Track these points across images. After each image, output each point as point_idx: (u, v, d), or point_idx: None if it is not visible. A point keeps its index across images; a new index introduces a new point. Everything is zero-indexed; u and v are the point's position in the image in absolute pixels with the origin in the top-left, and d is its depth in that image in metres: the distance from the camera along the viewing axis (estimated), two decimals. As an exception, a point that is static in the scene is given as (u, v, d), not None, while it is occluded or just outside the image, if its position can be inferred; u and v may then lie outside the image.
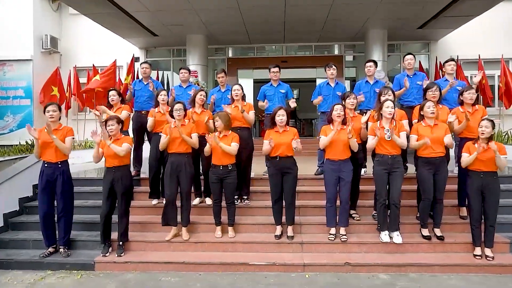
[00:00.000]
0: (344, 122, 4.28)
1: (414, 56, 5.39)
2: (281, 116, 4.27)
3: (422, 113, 4.30)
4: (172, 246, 4.42)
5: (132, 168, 5.55)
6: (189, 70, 5.71)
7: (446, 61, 5.23)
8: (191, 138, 4.44)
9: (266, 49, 11.29)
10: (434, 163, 4.18)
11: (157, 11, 7.97)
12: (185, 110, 4.53)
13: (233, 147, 4.36)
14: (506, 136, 8.77)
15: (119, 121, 4.35)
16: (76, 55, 10.79)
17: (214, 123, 4.44)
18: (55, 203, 4.35)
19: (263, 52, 11.24)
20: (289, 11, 8.03)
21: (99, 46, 10.71)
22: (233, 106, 4.92)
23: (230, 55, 11.24)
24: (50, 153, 4.25)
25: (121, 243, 4.32)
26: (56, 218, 4.35)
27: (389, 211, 4.29)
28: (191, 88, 5.56)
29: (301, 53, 11.23)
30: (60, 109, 4.39)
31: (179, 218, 4.52)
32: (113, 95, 5.15)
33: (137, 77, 9.02)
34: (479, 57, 9.36)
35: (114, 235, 4.38)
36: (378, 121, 4.28)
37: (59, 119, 4.41)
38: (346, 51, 10.98)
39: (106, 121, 4.31)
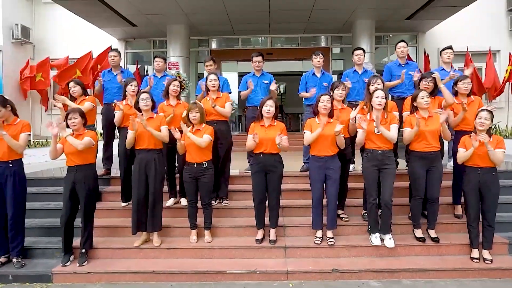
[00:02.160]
0: (331, 115, 3.83)
1: (407, 44, 4.96)
2: (269, 107, 3.78)
3: (415, 104, 3.86)
4: (142, 252, 3.91)
5: (101, 166, 5.02)
6: (164, 59, 5.16)
7: (443, 49, 4.82)
8: (160, 131, 3.92)
9: (251, 41, 10.75)
10: (428, 159, 3.77)
11: (133, -2, 7.34)
12: (153, 101, 4.01)
13: (205, 138, 3.85)
14: (495, 129, 8.50)
15: (82, 114, 3.79)
16: (50, 46, 10.05)
17: (188, 115, 3.92)
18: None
19: (248, 44, 10.70)
20: (274, -2, 7.52)
21: (75, 37, 10.00)
22: (208, 98, 4.41)
23: (214, 47, 10.66)
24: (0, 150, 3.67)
25: (83, 250, 3.78)
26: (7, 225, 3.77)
27: (379, 211, 3.87)
28: (165, 78, 5.01)
29: (287, 45, 10.73)
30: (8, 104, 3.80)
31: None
32: (73, 87, 4.56)
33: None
34: (467, 49, 9.06)
35: (77, 242, 3.84)
36: (368, 113, 3.84)
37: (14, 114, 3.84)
38: (333, 43, 10.53)
39: (67, 115, 3.76)
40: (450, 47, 4.84)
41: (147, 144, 3.87)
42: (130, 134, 3.86)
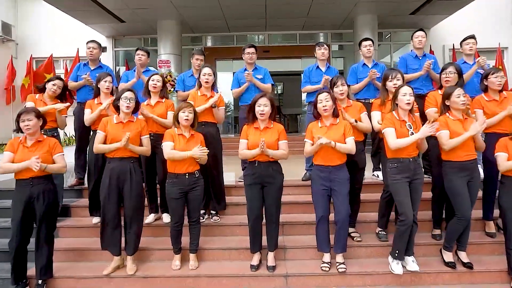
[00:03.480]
0: (335, 114, 3.09)
1: (426, 34, 4.24)
2: (262, 106, 3.02)
3: (447, 103, 3.11)
4: (113, 282, 3.14)
5: (68, 176, 4.27)
6: (148, 52, 4.40)
7: (464, 39, 4.10)
8: (141, 143, 3.22)
9: (247, 38, 10.01)
10: (468, 169, 3.02)
11: (118, -10, 6.59)
12: (138, 103, 3.26)
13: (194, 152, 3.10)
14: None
15: (39, 115, 3.03)
16: (34, 45, 9.24)
17: (177, 116, 3.13)
18: None
19: (244, 41, 9.92)
20: (271, -9, 6.79)
21: (62, 35, 9.20)
22: (200, 94, 3.66)
23: (208, 44, 9.91)
24: None
25: (40, 281, 3.02)
26: None
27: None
28: (149, 74, 4.24)
29: (285, 43, 10.00)
30: None
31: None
32: (59, 85, 3.76)
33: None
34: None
35: (33, 270, 3.06)
36: (394, 111, 3.08)
37: None
38: (333, 41, 9.80)
39: (19, 116, 3.00)
40: (473, 37, 4.12)
41: (121, 152, 3.10)
42: (100, 136, 3.10)
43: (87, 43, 4.28)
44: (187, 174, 3.09)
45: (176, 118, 3.13)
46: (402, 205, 2.94)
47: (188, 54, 9.84)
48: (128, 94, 3.17)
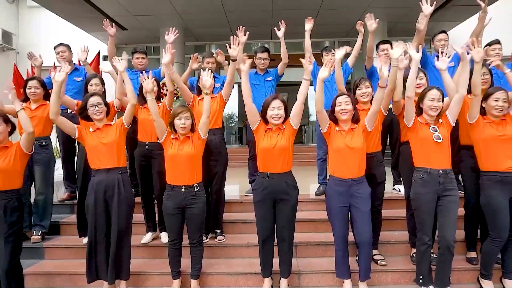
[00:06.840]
0: (356, 120, 2.71)
1: (447, 35, 3.90)
2: (276, 110, 2.65)
3: (483, 105, 2.73)
4: (103, 313, 2.74)
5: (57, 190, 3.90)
6: (145, 54, 4.08)
7: (489, 44, 3.72)
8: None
9: (252, 46, 9.75)
10: (510, 183, 2.62)
11: (119, -5, 6.35)
12: (107, 105, 2.86)
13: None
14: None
15: (6, 120, 2.64)
16: (35, 54, 9.02)
17: (173, 123, 2.76)
18: None
19: (249, 51, 9.67)
20: (278, -4, 6.53)
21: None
22: (198, 98, 3.32)
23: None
24: None
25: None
26: None
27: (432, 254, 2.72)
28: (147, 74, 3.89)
29: (291, 51, 9.72)
30: None
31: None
32: (35, 87, 3.36)
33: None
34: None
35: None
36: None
37: None
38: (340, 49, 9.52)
39: None
40: (498, 42, 3.75)
41: (107, 162, 2.72)
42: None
43: (54, 48, 4.05)
44: (183, 187, 2.69)
45: (172, 126, 2.76)
46: (422, 223, 2.59)
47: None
48: (93, 99, 2.76)
